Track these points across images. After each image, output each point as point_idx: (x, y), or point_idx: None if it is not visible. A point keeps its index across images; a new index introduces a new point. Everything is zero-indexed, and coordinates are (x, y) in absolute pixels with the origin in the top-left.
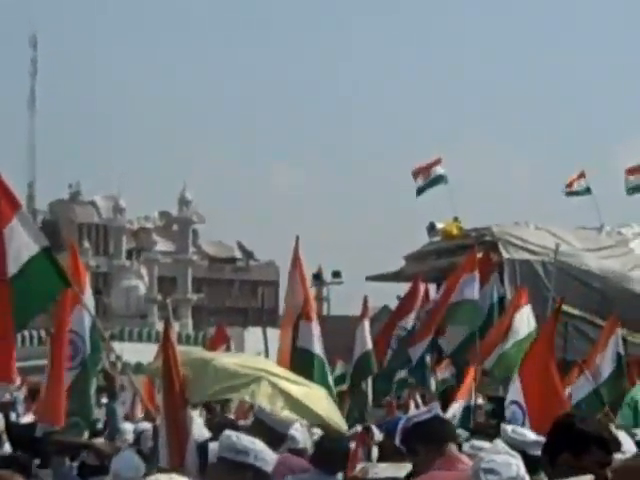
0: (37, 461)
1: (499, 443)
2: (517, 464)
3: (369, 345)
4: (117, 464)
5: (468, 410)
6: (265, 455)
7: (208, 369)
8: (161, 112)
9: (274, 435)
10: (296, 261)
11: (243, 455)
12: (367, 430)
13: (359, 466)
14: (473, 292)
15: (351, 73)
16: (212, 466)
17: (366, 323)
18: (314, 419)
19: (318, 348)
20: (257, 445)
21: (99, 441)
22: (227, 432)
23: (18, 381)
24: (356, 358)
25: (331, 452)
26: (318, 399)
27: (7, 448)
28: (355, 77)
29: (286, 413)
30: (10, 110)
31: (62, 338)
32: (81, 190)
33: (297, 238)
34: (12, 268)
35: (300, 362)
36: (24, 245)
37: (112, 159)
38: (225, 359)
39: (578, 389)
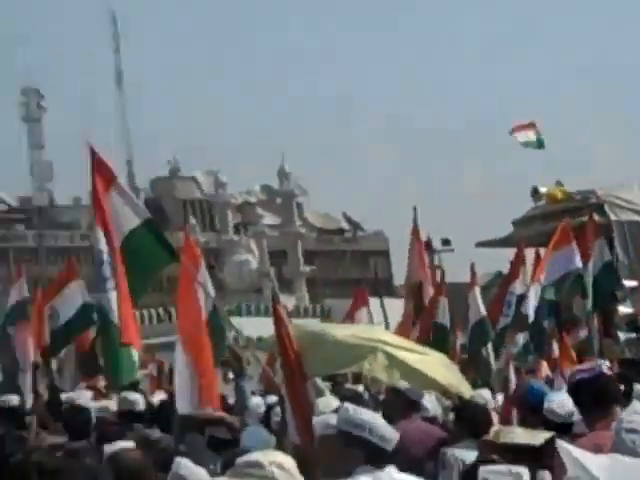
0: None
1: (637, 404)
2: None
3: (483, 312)
4: (245, 439)
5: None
6: (383, 431)
7: (322, 343)
8: (255, 84)
9: (409, 403)
10: (415, 233)
11: (359, 429)
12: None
13: (493, 429)
14: (575, 263)
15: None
16: (323, 438)
17: (477, 290)
18: (433, 386)
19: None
20: (376, 420)
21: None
22: (346, 405)
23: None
24: (471, 325)
25: (474, 418)
26: (436, 365)
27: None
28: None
29: (404, 383)
30: (100, 89)
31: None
32: (180, 166)
33: (415, 209)
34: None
35: (439, 337)
36: (124, 218)
37: (209, 134)
38: (339, 331)
39: None
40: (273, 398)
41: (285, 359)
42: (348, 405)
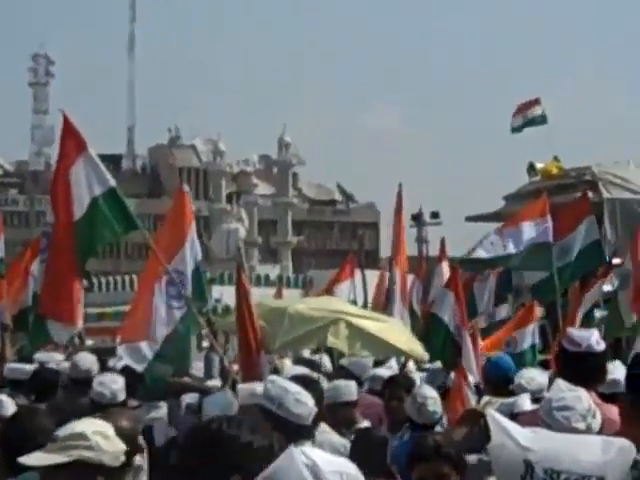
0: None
1: (560, 382)
2: (586, 397)
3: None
4: (207, 405)
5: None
6: (293, 407)
7: (283, 318)
8: (260, 55)
9: (351, 378)
10: (398, 209)
11: (269, 402)
12: None
13: (484, 399)
14: (547, 236)
15: (451, 9)
16: (242, 408)
17: (444, 265)
18: (394, 352)
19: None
20: (289, 395)
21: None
22: (271, 377)
23: (80, 324)
24: (435, 299)
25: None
26: (396, 332)
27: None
28: (455, 15)
29: (366, 353)
30: (110, 56)
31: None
32: (181, 134)
33: (400, 186)
34: (77, 209)
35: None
36: (88, 186)
37: (211, 103)
38: (299, 305)
39: None
40: None
41: (242, 329)
42: (273, 377)
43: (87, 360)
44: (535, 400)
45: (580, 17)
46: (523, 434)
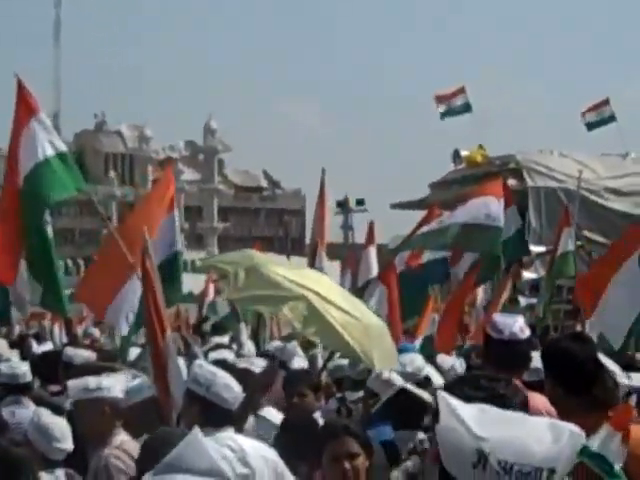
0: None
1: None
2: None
3: (374, 272)
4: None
5: None
6: (223, 391)
7: (254, 274)
8: (187, 41)
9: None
10: (321, 195)
11: (198, 386)
12: None
13: None
14: (499, 219)
15: (373, 5)
16: (74, 404)
17: (371, 249)
18: (345, 350)
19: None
20: (218, 379)
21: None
22: (198, 361)
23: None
24: (361, 285)
25: None
26: (361, 331)
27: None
28: (375, 7)
29: (317, 338)
30: (35, 41)
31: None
32: (107, 120)
33: (323, 171)
34: (24, 171)
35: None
36: (41, 147)
37: (137, 89)
38: (275, 268)
39: None
40: None
41: (148, 315)
42: (200, 361)
43: None
44: (417, 384)
45: (502, 6)
46: (475, 418)
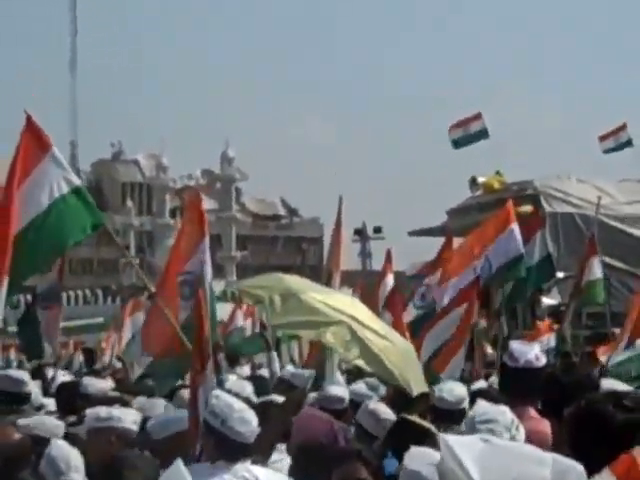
0: None
1: (480, 402)
2: (508, 411)
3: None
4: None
5: None
6: (238, 425)
7: (292, 299)
8: (203, 70)
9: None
10: (338, 223)
11: (214, 418)
12: None
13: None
14: (517, 246)
15: (385, 24)
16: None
17: (389, 277)
18: (385, 374)
19: None
20: (234, 412)
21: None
22: (216, 391)
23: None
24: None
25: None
26: (396, 354)
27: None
28: (388, 29)
29: (359, 362)
30: (52, 70)
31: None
32: (124, 149)
33: (340, 198)
34: (34, 210)
35: None
36: (53, 186)
37: (155, 118)
38: (313, 294)
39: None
40: None
41: (195, 347)
42: (219, 392)
43: None
44: (458, 412)
45: (517, 33)
46: (475, 460)
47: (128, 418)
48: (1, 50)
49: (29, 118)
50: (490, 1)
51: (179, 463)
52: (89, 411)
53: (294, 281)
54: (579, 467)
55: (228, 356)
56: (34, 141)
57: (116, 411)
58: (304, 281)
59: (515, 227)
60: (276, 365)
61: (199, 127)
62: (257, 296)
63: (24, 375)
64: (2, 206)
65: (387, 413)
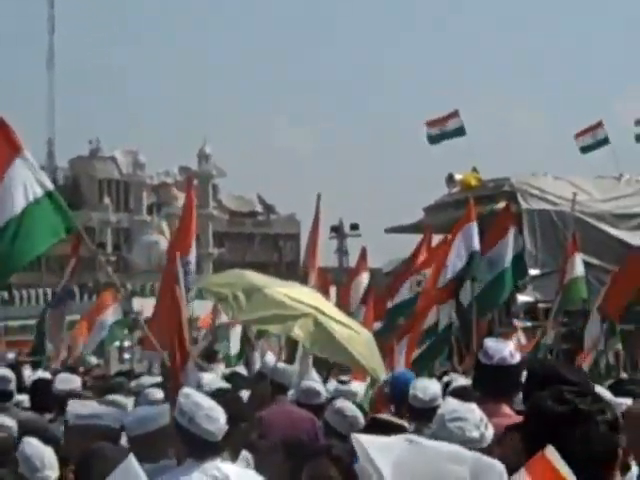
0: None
1: (449, 399)
2: (477, 409)
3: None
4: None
5: None
6: (205, 422)
7: (257, 295)
8: (180, 67)
9: (276, 386)
10: (316, 221)
11: (181, 416)
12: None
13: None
14: (473, 244)
15: (365, 22)
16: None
17: (364, 275)
18: (352, 363)
19: None
20: (202, 409)
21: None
22: (185, 390)
23: None
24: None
25: None
26: (362, 345)
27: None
28: (369, 27)
29: (325, 354)
30: (29, 68)
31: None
32: (101, 146)
33: (319, 196)
34: (7, 213)
35: None
36: (26, 188)
37: (131, 115)
38: (277, 288)
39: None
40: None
41: (172, 340)
42: (188, 390)
43: None
44: (430, 410)
45: (493, 35)
46: (391, 462)
47: (110, 416)
48: None
49: (1, 120)
50: (490, 1)
51: (131, 459)
52: (70, 408)
53: (255, 277)
54: (499, 466)
55: (206, 353)
56: (6, 143)
57: (98, 408)
58: (264, 276)
59: (473, 225)
60: (256, 363)
61: (176, 124)
62: (219, 293)
63: (7, 372)
64: None
65: (353, 410)
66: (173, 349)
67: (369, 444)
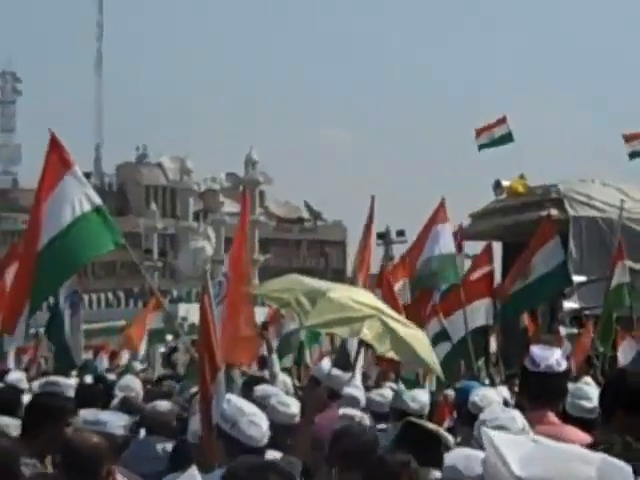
0: None
1: (495, 406)
2: (520, 417)
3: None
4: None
5: None
6: (248, 428)
7: (321, 299)
8: (228, 74)
9: (329, 392)
10: (368, 225)
11: (224, 422)
12: None
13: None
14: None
15: (413, 24)
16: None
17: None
18: (417, 362)
19: None
20: (245, 416)
21: None
22: (228, 395)
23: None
24: None
25: None
26: (421, 343)
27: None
28: (417, 28)
29: (391, 354)
30: (77, 74)
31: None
32: (148, 152)
33: (372, 199)
34: (56, 228)
35: None
36: (75, 203)
37: (179, 121)
38: (340, 292)
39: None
40: None
41: (201, 349)
42: (230, 396)
43: None
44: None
45: (544, 36)
46: (519, 456)
47: (115, 423)
48: (29, 52)
49: (53, 137)
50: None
51: (194, 471)
52: (81, 412)
53: (313, 281)
54: (627, 468)
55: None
56: (57, 159)
57: (104, 415)
58: (321, 281)
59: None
60: (277, 368)
61: (224, 130)
62: (281, 299)
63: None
64: (29, 227)
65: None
66: (203, 360)
67: (499, 439)
